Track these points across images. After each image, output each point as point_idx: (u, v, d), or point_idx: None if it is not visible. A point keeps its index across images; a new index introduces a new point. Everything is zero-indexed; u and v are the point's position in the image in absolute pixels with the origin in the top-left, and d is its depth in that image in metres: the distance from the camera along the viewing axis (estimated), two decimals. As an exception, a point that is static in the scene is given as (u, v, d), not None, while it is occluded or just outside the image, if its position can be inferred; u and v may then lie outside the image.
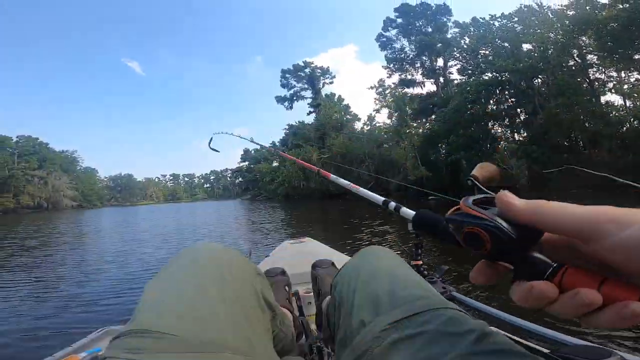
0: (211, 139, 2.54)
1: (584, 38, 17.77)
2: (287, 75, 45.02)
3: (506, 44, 20.22)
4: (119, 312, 3.31)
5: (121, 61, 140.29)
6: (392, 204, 0.67)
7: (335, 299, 0.62)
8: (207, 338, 0.42)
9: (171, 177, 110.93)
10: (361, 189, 0.89)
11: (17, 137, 55.44)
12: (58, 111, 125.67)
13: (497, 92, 21.29)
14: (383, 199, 0.77)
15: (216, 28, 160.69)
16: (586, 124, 17.06)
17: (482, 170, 0.42)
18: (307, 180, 36.01)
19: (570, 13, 18.03)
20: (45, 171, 55.20)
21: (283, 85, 45.45)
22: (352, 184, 1.06)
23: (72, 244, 10.03)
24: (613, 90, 18.12)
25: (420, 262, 1.07)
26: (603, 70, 18.48)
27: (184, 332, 0.41)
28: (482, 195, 0.35)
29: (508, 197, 0.29)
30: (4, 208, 47.41)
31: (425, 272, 1.08)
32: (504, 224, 0.28)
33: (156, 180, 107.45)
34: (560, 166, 6.04)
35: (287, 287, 1.08)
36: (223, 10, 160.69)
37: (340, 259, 1.63)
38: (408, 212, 0.47)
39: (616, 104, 18.21)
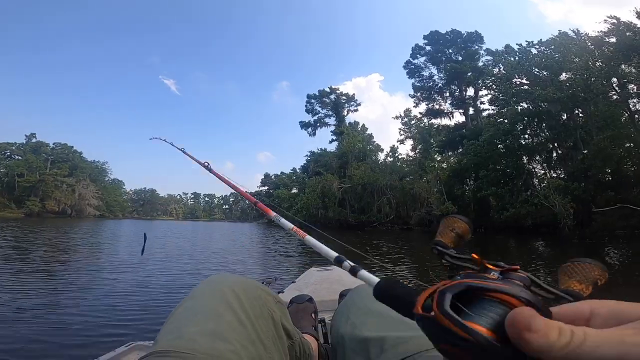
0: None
1: (623, 66, 16.61)
2: (312, 101, 45.18)
3: (544, 73, 18.86)
4: (146, 327, 3.33)
5: (159, 78, 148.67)
6: (347, 264, 0.48)
7: (332, 341, 0.66)
8: (222, 357, 0.45)
9: (192, 196, 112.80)
10: (311, 239, 0.64)
11: (53, 143, 58.42)
12: (95, 122, 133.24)
13: (534, 123, 19.69)
14: (336, 255, 0.54)
15: (247, 53, 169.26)
16: (628, 159, 15.22)
17: (448, 229, 0.36)
18: (326, 209, 34.92)
19: (611, 40, 17.09)
20: (74, 179, 57.05)
21: (308, 111, 45.59)
22: (296, 227, 0.72)
23: (98, 255, 9.84)
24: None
25: None
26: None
27: (200, 351, 0.44)
28: (461, 285, 0.25)
29: (533, 331, 0.20)
30: (28, 211, 48.83)
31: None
32: (496, 344, 0.21)
33: (178, 197, 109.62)
34: (608, 204, 4.67)
35: (313, 315, 1.11)
36: (253, 36, 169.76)
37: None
38: (369, 277, 0.34)
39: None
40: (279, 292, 1.66)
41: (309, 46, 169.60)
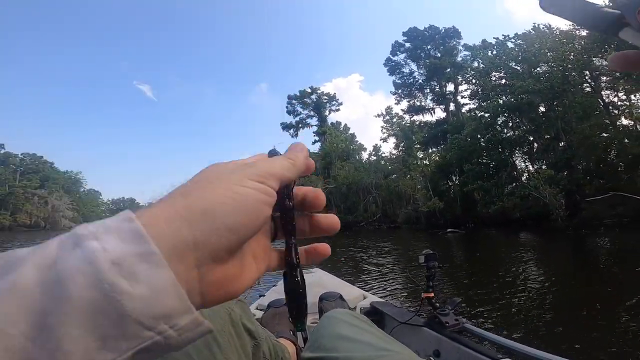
0: None
1: (594, 59, 16.95)
2: (293, 102, 44.44)
3: (521, 66, 19.03)
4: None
5: (133, 84, 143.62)
6: None
7: None
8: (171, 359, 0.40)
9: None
10: None
11: (21, 154, 55.43)
12: (68, 131, 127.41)
13: (515, 116, 19.82)
14: None
15: (224, 55, 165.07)
16: (613, 147, 15.42)
17: None
18: (311, 211, 34.36)
19: (582, 34, 17.41)
20: (46, 191, 54.50)
21: (289, 112, 44.82)
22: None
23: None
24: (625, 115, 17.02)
25: (432, 295, 1.03)
26: (616, 93, 17.79)
27: None
28: None
29: None
30: (-1, 225, 46.34)
31: (437, 304, 1.05)
32: None
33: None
34: (598, 193, 4.40)
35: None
36: (228, 38, 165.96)
37: (348, 291, 1.76)
38: None
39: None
40: (260, 296, 1.67)
41: (287, 48, 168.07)
